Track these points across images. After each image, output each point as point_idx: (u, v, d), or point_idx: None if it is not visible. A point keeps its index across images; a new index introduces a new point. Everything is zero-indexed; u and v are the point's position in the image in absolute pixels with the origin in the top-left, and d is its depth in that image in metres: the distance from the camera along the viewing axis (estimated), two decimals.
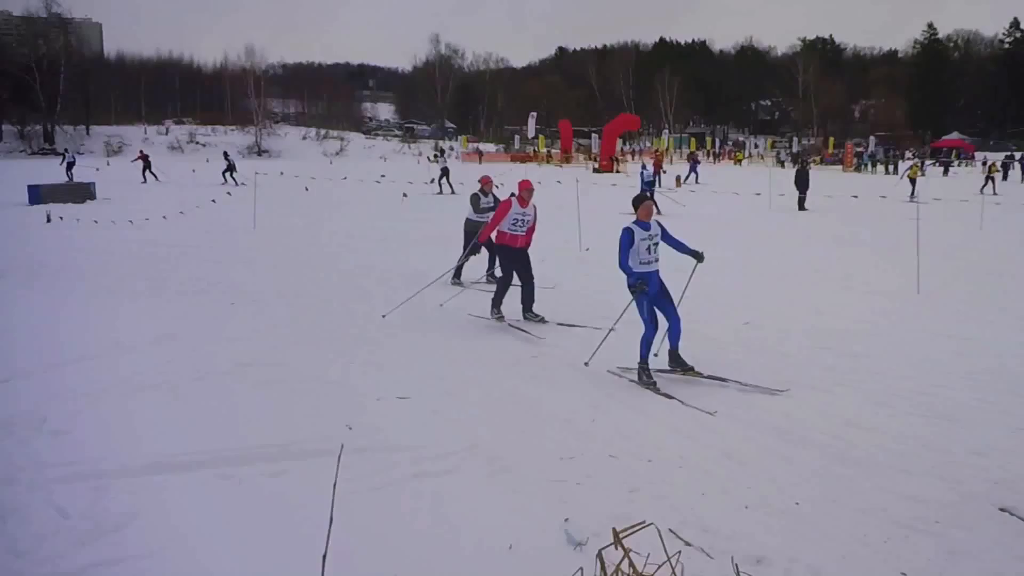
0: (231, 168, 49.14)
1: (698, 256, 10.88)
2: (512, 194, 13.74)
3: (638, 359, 10.14)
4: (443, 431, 8.44)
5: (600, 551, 5.47)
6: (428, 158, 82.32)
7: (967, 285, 16.87)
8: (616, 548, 5.30)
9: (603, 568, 5.39)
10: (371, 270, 18.70)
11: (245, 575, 5.61)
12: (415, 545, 5.98)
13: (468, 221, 16.97)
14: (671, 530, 6.00)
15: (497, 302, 13.47)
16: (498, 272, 14.39)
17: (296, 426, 8.43)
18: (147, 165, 50.39)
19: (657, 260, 10.46)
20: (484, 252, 15.43)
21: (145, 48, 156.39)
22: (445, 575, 5.33)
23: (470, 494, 6.98)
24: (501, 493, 7.02)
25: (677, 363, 10.46)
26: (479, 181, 17.51)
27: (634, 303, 10.35)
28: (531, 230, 13.67)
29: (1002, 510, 6.58)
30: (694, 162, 58.89)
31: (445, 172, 45.52)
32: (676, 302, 10.52)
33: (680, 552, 5.48)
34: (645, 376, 10.12)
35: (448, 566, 5.57)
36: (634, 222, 10.42)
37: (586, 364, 10.79)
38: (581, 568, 5.35)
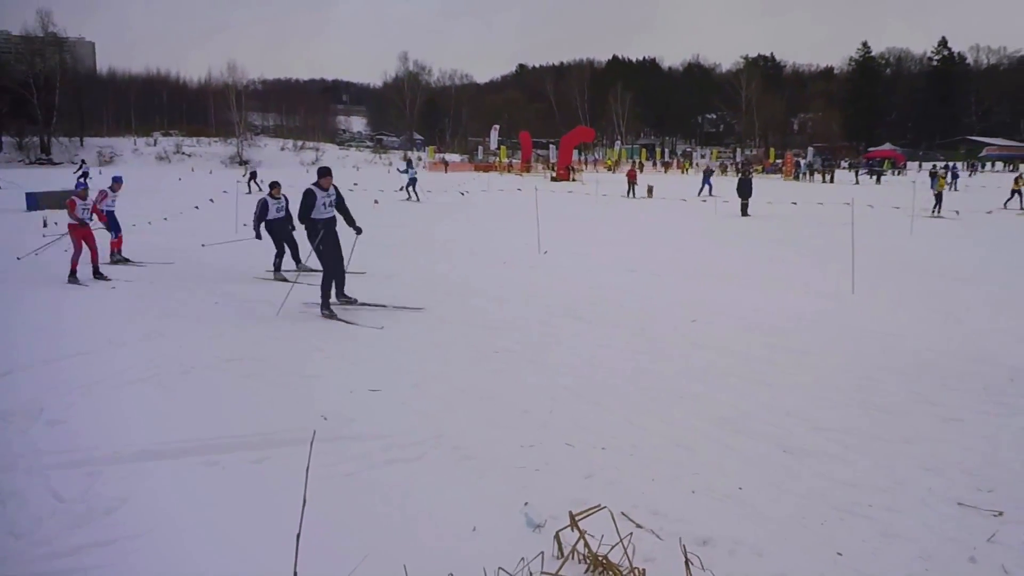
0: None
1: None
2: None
3: None
4: (411, 421, 8.42)
5: (557, 533, 5.50)
6: (398, 169, 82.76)
7: (898, 285, 17.00)
8: (572, 530, 5.33)
9: (560, 548, 5.41)
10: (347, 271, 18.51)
11: (228, 555, 5.58)
12: (385, 527, 5.97)
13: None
14: (623, 513, 5.99)
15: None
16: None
17: (276, 417, 8.40)
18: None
19: None
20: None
21: (135, 65, 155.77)
22: (413, 554, 5.30)
23: (436, 480, 6.96)
24: (465, 479, 7.00)
25: None
26: None
27: None
28: None
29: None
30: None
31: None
32: None
33: (632, 534, 5.51)
34: None
35: (415, 546, 5.55)
36: None
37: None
38: (542, 552, 5.37)
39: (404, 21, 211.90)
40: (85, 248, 17.43)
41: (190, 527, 5.99)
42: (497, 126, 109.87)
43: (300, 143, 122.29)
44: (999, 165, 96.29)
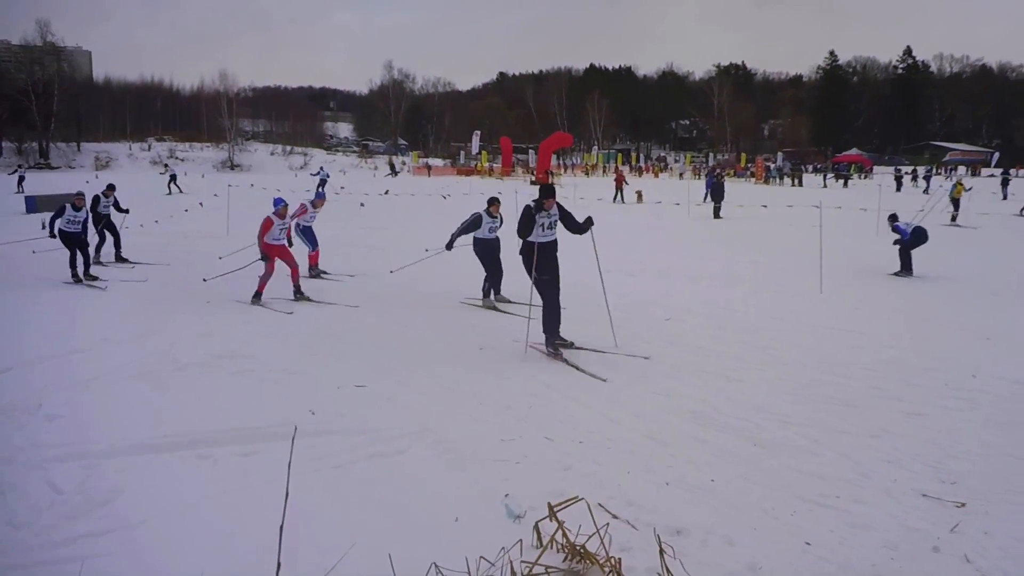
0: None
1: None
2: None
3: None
4: (396, 416, 8.48)
5: (537, 523, 5.53)
6: (385, 176, 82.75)
7: (864, 285, 17.06)
8: (551, 520, 5.35)
9: (539, 538, 5.43)
10: (334, 270, 18.73)
11: (219, 543, 5.62)
12: (371, 517, 6.00)
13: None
14: (600, 504, 6.02)
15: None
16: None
17: (265, 412, 8.47)
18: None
19: None
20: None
21: (130, 73, 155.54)
22: (397, 544, 5.32)
23: (420, 473, 7.01)
24: (448, 471, 7.05)
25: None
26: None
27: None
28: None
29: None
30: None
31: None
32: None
33: (608, 524, 5.53)
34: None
35: (400, 536, 5.57)
36: None
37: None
38: (520, 540, 5.39)
39: (390, 31, 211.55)
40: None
41: (183, 518, 6.04)
42: (479, 132, 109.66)
43: (289, 148, 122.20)
44: (962, 169, 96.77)
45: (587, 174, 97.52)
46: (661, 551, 5.05)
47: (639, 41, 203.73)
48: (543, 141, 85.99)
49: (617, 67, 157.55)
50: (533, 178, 75.52)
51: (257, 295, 14.87)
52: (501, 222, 15.09)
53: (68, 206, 18.08)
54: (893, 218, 19.03)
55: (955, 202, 33.78)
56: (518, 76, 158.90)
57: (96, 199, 20.48)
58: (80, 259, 17.87)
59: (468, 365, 10.71)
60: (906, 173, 73.00)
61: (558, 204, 11.47)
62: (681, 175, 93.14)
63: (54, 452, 7.31)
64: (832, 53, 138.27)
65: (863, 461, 7.30)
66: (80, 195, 18.62)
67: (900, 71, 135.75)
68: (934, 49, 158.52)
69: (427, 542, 5.47)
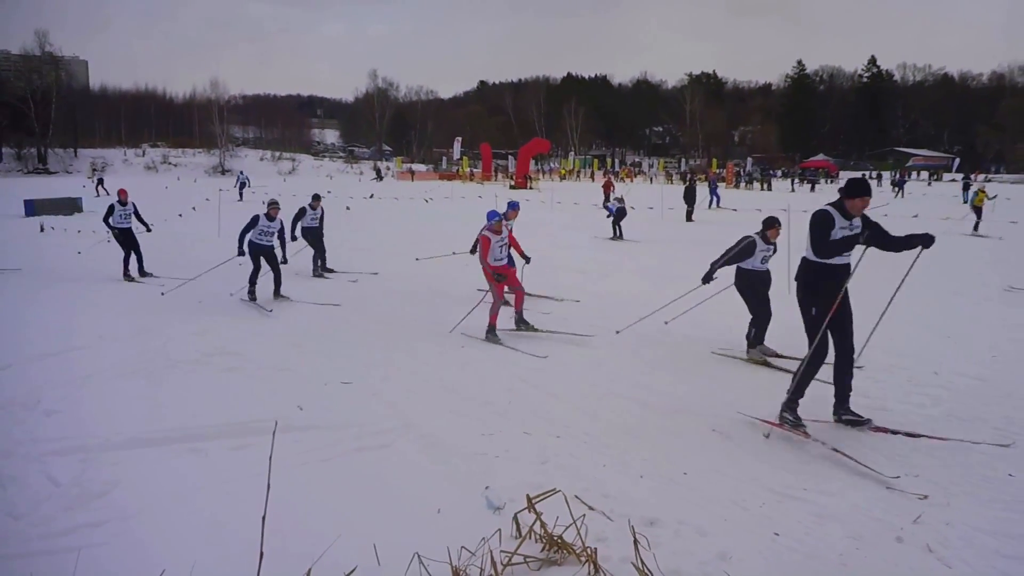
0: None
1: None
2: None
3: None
4: (381, 412, 8.53)
5: (516, 514, 5.53)
6: (371, 180, 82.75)
7: None
8: (529, 512, 5.36)
9: (518, 529, 5.44)
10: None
11: (211, 532, 5.65)
12: (356, 508, 6.02)
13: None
14: (576, 496, 6.02)
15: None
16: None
17: (255, 407, 8.47)
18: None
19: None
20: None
21: (125, 82, 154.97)
22: (382, 534, 5.33)
23: (404, 466, 7.05)
24: (430, 464, 7.07)
25: None
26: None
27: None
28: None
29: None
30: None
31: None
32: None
33: (584, 515, 5.55)
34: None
35: (384, 527, 5.58)
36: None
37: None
38: (499, 529, 5.40)
39: (375, 41, 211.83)
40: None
41: (176, 509, 6.07)
42: (460, 138, 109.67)
43: (278, 154, 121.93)
44: (924, 174, 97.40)
45: (560, 178, 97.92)
46: (635, 541, 5.07)
47: (614, 51, 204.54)
48: (522, 147, 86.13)
49: (593, 76, 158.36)
50: (512, 183, 75.66)
51: (491, 328, 12.21)
52: (775, 250, 12.03)
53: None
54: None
55: (977, 210, 31.31)
56: (498, 84, 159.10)
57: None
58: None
59: (450, 363, 10.75)
60: (871, 178, 73.44)
61: (865, 216, 8.20)
62: (652, 180, 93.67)
63: (52, 446, 7.33)
64: (800, 62, 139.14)
65: (830, 455, 7.34)
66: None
67: (865, 80, 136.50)
68: (898, 58, 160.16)
69: (410, 533, 5.48)
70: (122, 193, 18.55)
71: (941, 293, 16.02)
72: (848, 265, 8.33)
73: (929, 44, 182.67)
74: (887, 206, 23.59)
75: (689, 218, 35.18)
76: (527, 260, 13.35)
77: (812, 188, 74.53)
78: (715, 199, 45.26)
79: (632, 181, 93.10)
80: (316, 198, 19.80)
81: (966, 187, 52.20)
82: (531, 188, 70.83)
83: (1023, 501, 6.32)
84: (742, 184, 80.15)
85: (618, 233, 27.48)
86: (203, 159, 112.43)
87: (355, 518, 5.79)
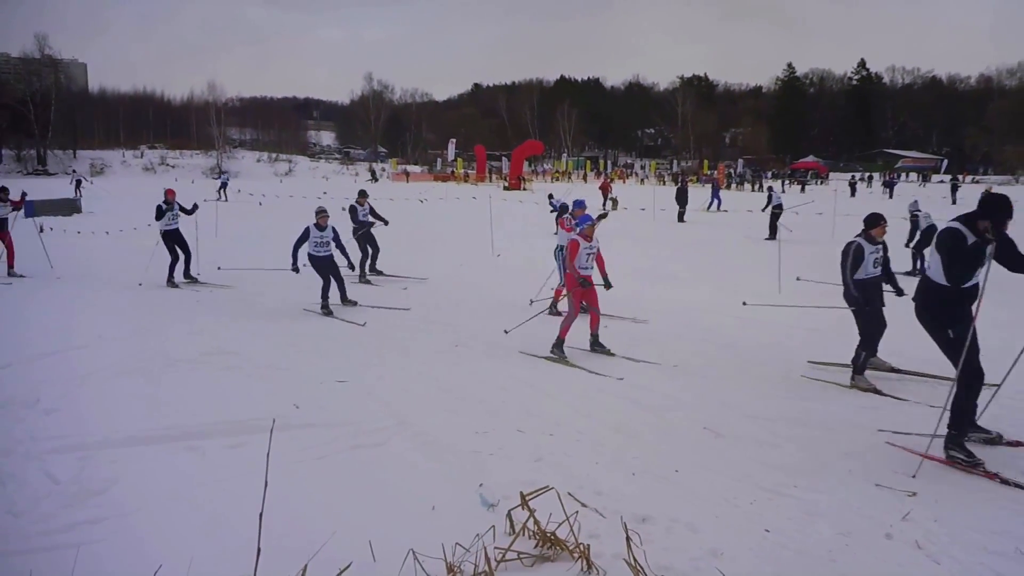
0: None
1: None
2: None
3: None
4: (376, 410, 8.56)
5: (509, 511, 5.55)
6: (366, 181, 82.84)
7: (821, 285, 17.14)
8: (523, 509, 5.37)
9: (512, 526, 5.45)
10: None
11: (208, 529, 5.66)
12: (352, 505, 6.04)
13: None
14: (570, 493, 6.05)
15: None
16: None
17: (252, 405, 8.48)
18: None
19: None
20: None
21: (124, 84, 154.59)
22: (377, 531, 5.34)
23: (399, 463, 7.06)
24: (425, 462, 7.09)
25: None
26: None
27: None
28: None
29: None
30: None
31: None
32: None
33: (577, 512, 5.57)
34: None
35: (380, 523, 5.59)
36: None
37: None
38: (493, 526, 5.41)
39: (370, 45, 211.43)
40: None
41: (174, 506, 6.09)
42: (454, 140, 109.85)
43: (274, 156, 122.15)
44: (913, 176, 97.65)
45: (556, 179, 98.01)
46: (628, 538, 5.08)
47: (607, 54, 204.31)
48: (515, 149, 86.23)
49: (586, 78, 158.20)
50: (506, 184, 75.72)
51: (559, 343, 11.13)
52: (884, 250, 10.35)
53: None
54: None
55: None
56: (492, 87, 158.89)
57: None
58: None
59: (444, 361, 10.79)
60: (860, 179, 73.60)
61: (995, 232, 6.98)
62: (643, 180, 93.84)
63: (52, 444, 7.34)
64: (790, 65, 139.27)
65: (820, 452, 7.38)
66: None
67: (854, 82, 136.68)
68: (887, 61, 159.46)
69: (405, 529, 5.49)
70: (169, 193, 17.90)
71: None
72: (977, 286, 7.30)
73: (918, 47, 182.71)
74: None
75: (681, 219, 35.19)
76: (608, 286, 11.76)
77: (802, 189, 74.60)
78: (716, 201, 44.05)
79: (624, 182, 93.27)
80: (363, 195, 19.14)
81: (954, 188, 52.34)
82: (524, 189, 70.91)
83: (1009, 498, 6.36)
84: (733, 185, 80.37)
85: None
86: (201, 160, 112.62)
87: (351, 515, 5.80)
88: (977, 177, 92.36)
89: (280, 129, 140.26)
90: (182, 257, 17.75)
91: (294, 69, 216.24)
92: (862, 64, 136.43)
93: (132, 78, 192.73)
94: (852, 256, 9.76)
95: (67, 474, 6.65)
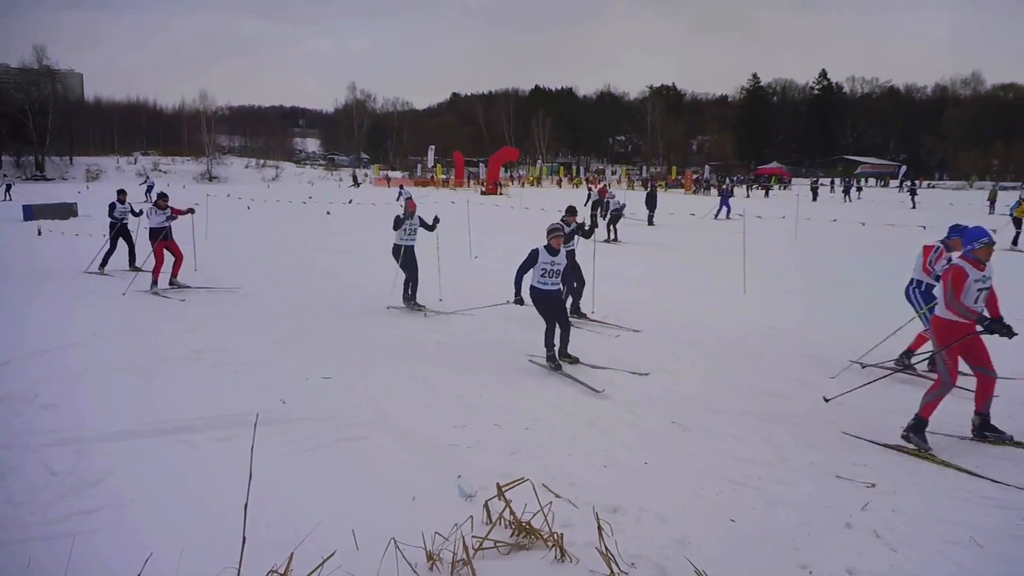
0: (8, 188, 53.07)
1: None
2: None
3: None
4: (359, 405, 8.58)
5: (486, 502, 5.57)
6: (349, 187, 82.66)
7: (784, 285, 17.28)
8: (499, 499, 5.40)
9: (489, 515, 5.48)
10: (304, 272, 18.91)
11: (199, 519, 5.69)
12: (336, 497, 6.07)
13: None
14: (544, 485, 6.08)
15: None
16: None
17: (240, 401, 8.49)
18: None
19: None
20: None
21: (118, 94, 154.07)
22: (360, 521, 5.36)
23: (380, 456, 7.10)
24: (406, 455, 7.12)
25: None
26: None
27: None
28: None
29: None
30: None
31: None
32: None
33: (551, 502, 5.61)
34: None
35: (362, 514, 5.60)
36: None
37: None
38: (471, 516, 5.44)
39: (356, 56, 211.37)
40: None
41: (166, 497, 6.12)
42: (433, 147, 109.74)
43: (262, 162, 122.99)
44: (872, 181, 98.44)
45: (531, 184, 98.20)
46: (599, 527, 5.13)
47: (580, 65, 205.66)
48: (492, 155, 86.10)
49: (560, 88, 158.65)
50: (483, 189, 75.74)
51: (920, 425, 7.41)
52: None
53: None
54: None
55: (1017, 221, 27.05)
56: (469, 96, 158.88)
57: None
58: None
59: (425, 359, 10.76)
60: (822, 184, 73.95)
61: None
62: (613, 185, 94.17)
63: (49, 437, 7.34)
64: (755, 75, 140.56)
65: (783, 445, 7.46)
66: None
67: (816, 91, 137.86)
68: (847, 71, 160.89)
69: (387, 519, 5.51)
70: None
71: (881, 292, 16.16)
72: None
73: (876, 58, 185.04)
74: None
75: (651, 222, 35.23)
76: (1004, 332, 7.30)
77: (766, 194, 75.04)
78: (725, 208, 40.85)
79: (595, 187, 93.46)
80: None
81: (913, 193, 52.72)
82: (501, 194, 70.98)
83: (964, 488, 6.45)
84: (701, 190, 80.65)
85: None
86: (192, 167, 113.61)
87: (335, 505, 5.81)
88: (933, 183, 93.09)
89: (268, 136, 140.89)
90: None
91: (282, 79, 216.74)
92: (823, 74, 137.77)
93: (126, 88, 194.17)
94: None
95: (64, 466, 6.65)
